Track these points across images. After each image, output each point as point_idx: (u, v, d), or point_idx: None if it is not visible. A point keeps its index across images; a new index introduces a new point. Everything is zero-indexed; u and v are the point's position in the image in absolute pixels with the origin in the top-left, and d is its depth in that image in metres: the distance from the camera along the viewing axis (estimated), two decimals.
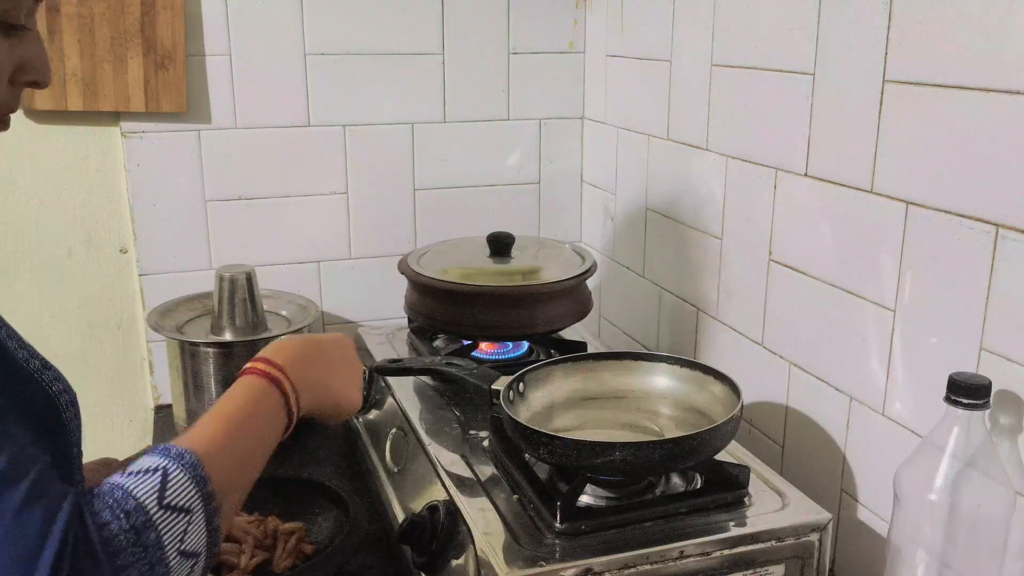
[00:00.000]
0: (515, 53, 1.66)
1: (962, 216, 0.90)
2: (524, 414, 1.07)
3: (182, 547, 0.65)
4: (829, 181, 1.08)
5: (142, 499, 0.64)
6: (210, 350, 1.38)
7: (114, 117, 1.49)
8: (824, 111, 1.08)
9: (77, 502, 0.61)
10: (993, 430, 0.87)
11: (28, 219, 1.50)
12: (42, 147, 1.48)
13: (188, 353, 1.39)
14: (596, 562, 0.88)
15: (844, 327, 1.08)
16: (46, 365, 0.76)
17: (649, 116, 1.49)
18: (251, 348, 1.38)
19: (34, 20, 0.71)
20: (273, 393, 0.81)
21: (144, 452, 0.69)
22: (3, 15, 0.67)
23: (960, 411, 0.83)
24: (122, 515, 0.62)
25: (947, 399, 0.83)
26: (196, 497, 0.67)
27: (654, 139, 1.49)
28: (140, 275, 1.55)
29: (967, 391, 0.82)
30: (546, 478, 1.02)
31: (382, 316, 1.66)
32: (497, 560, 0.88)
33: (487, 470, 1.06)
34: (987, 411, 0.83)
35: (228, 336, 1.40)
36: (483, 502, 0.99)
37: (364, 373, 0.98)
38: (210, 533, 0.68)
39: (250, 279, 1.41)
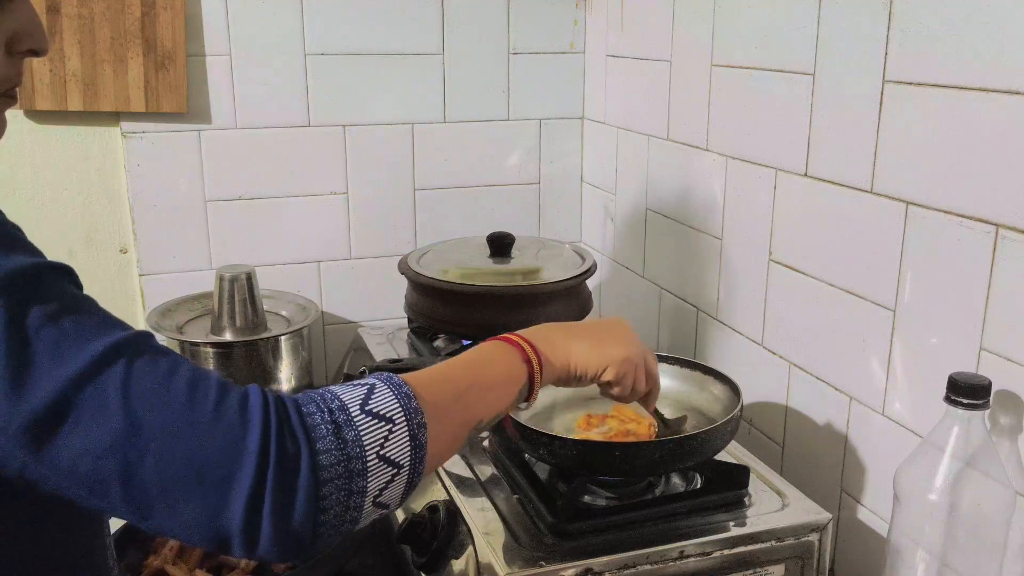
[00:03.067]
0: (515, 53, 1.66)
1: (962, 216, 0.90)
2: (524, 414, 1.07)
3: (382, 451, 0.65)
4: (829, 181, 1.08)
5: (346, 401, 0.66)
6: (210, 350, 1.38)
7: (114, 117, 1.49)
8: (824, 111, 1.08)
9: (280, 396, 0.64)
10: (993, 430, 0.87)
11: (28, 219, 1.49)
12: (42, 147, 1.48)
13: (188, 353, 1.39)
14: (596, 562, 0.88)
15: (844, 327, 1.08)
16: None
17: (649, 116, 1.49)
18: (251, 348, 1.38)
19: None
20: (504, 346, 0.81)
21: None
22: None
23: (960, 411, 0.83)
24: (325, 410, 0.64)
25: (947, 399, 0.83)
26: (398, 409, 0.67)
27: (654, 139, 1.49)
28: (140, 275, 1.55)
29: (967, 391, 0.82)
30: (546, 478, 1.02)
31: (382, 316, 1.66)
32: (497, 560, 0.88)
33: (487, 470, 1.06)
34: (987, 411, 0.83)
35: (228, 336, 1.40)
36: (483, 502, 0.99)
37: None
38: (415, 448, 0.67)
39: (250, 279, 1.41)
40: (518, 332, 0.84)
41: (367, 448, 0.64)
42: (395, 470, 0.66)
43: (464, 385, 0.76)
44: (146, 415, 0.59)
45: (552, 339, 0.85)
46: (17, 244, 0.64)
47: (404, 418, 0.67)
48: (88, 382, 0.58)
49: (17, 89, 0.72)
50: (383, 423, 0.66)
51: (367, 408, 0.66)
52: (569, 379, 0.87)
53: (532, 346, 0.82)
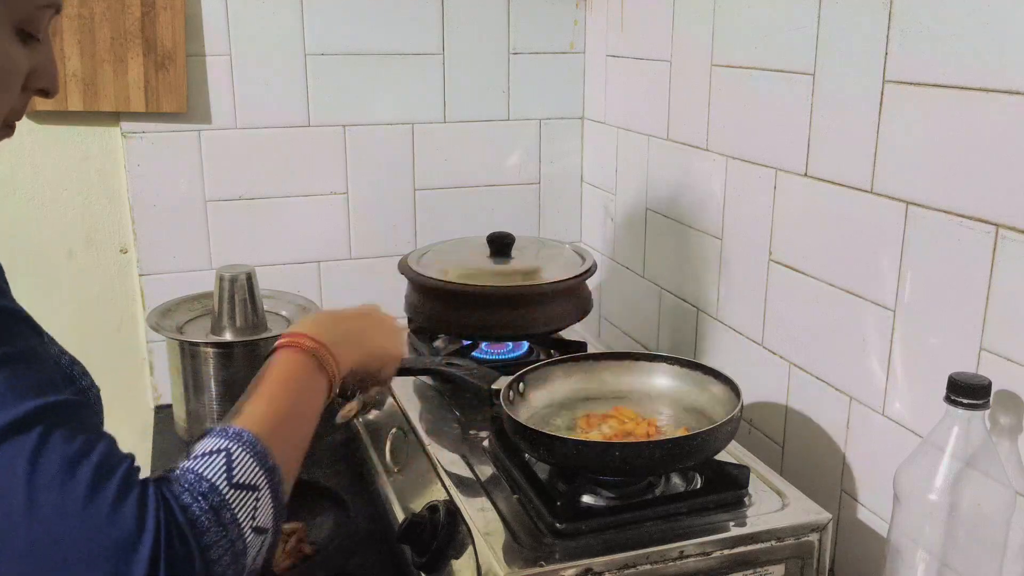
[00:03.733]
0: (515, 53, 1.66)
1: (962, 216, 0.90)
2: (524, 414, 1.07)
3: (254, 523, 0.66)
4: (829, 181, 1.08)
5: (213, 480, 0.65)
6: (210, 350, 1.38)
7: (114, 117, 1.49)
8: (824, 111, 1.08)
9: (160, 489, 0.62)
10: (993, 430, 0.87)
11: (28, 219, 1.50)
12: (42, 147, 1.48)
13: (188, 353, 1.39)
14: (596, 562, 0.88)
15: (844, 327, 1.08)
16: (74, 361, 0.79)
17: (649, 116, 1.49)
18: (251, 348, 1.38)
19: (48, 31, 0.72)
20: (305, 359, 0.83)
21: (201, 436, 0.70)
22: (25, 24, 0.68)
23: (960, 411, 0.83)
24: (199, 497, 0.64)
25: (947, 399, 0.83)
26: (260, 473, 0.68)
27: (654, 139, 1.49)
28: (140, 275, 1.55)
29: (967, 391, 0.82)
30: (546, 478, 1.02)
31: None
32: (497, 560, 0.88)
33: (487, 470, 1.06)
34: (987, 411, 0.83)
35: (228, 336, 1.40)
36: (483, 502, 0.99)
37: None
38: (276, 508, 0.69)
39: (250, 279, 1.41)
40: (308, 332, 0.85)
41: (243, 526, 0.65)
42: (264, 536, 0.68)
43: (296, 419, 0.78)
44: (45, 496, 0.58)
45: (337, 340, 0.86)
46: None
47: (267, 480, 0.68)
48: (2, 444, 0.57)
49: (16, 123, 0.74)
50: (250, 492, 0.67)
51: (233, 481, 0.66)
52: (353, 375, 0.90)
53: (330, 351, 0.84)
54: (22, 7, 0.67)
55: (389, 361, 0.97)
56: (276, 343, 0.85)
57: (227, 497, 0.65)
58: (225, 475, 0.66)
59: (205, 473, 0.66)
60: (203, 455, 0.68)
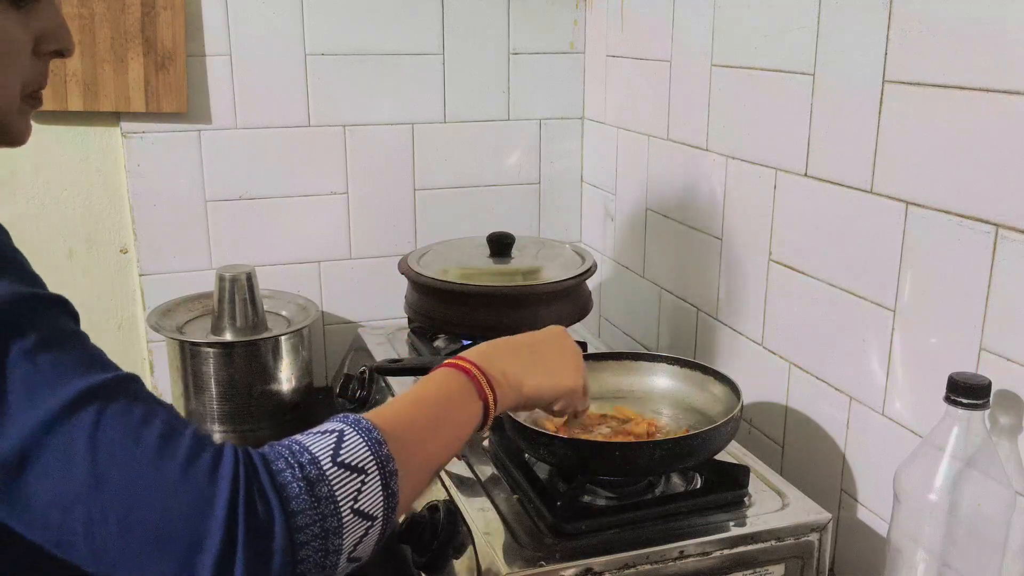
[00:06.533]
0: (515, 53, 1.66)
1: (962, 216, 0.90)
2: (523, 414, 1.07)
3: (356, 505, 0.64)
4: (829, 181, 1.08)
5: (316, 453, 0.64)
6: (210, 350, 1.38)
7: (114, 117, 1.49)
8: (824, 111, 1.08)
9: (248, 452, 0.61)
10: (993, 430, 0.87)
11: (28, 219, 1.50)
12: (42, 147, 1.48)
13: (188, 353, 1.39)
14: (596, 562, 0.88)
15: (844, 327, 1.08)
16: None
17: (649, 116, 1.49)
18: (251, 348, 1.38)
19: None
20: (462, 381, 0.80)
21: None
22: None
23: (960, 411, 0.83)
24: (296, 466, 0.62)
25: (947, 399, 0.83)
26: (370, 458, 0.66)
27: (654, 139, 1.49)
28: (140, 275, 1.55)
29: (967, 391, 0.82)
30: (546, 478, 1.02)
31: (382, 316, 1.66)
32: (497, 560, 0.88)
33: (487, 470, 1.06)
34: (987, 411, 0.83)
35: (228, 336, 1.40)
36: (483, 502, 0.99)
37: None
38: (387, 497, 0.66)
39: (250, 279, 1.41)
40: (472, 358, 0.82)
41: (341, 504, 0.63)
42: (369, 523, 0.65)
43: (430, 428, 0.75)
44: (111, 470, 0.56)
45: (506, 370, 0.84)
46: (7, 271, 0.61)
47: (376, 467, 0.66)
48: (57, 426, 0.56)
49: (42, 92, 0.71)
50: (355, 474, 0.64)
51: (339, 460, 0.64)
52: (519, 409, 0.88)
53: (488, 380, 0.81)
54: None
55: (566, 392, 0.89)
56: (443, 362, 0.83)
57: (327, 471, 0.63)
58: (331, 452, 0.64)
59: (309, 445, 0.64)
60: (315, 432, 0.66)
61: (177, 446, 0.59)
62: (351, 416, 0.69)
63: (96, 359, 0.61)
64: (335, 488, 0.63)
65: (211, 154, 1.54)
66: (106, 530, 0.56)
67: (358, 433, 0.66)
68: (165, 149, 1.52)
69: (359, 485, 0.64)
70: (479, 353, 0.84)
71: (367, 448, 0.66)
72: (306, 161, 1.59)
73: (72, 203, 1.52)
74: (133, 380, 0.62)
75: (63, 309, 0.63)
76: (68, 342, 0.61)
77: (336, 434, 0.66)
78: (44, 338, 0.59)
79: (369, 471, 0.65)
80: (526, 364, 0.87)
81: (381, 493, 0.66)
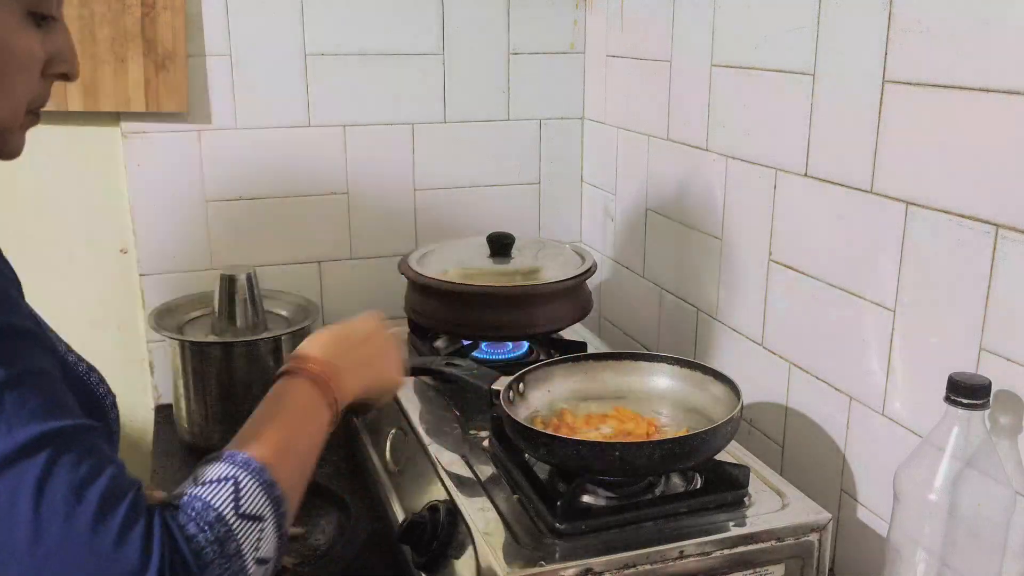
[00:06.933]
0: (515, 53, 1.66)
1: (962, 216, 0.90)
2: (524, 414, 1.07)
3: (257, 554, 0.67)
4: (829, 181, 1.08)
5: (221, 509, 0.65)
6: (210, 350, 1.38)
7: (114, 117, 1.49)
8: (824, 111, 1.08)
9: (166, 519, 0.62)
10: (993, 430, 0.87)
11: (28, 219, 1.50)
12: (42, 147, 1.48)
13: (188, 353, 1.39)
14: (596, 562, 0.88)
15: (844, 327, 1.08)
16: (91, 368, 0.78)
17: (649, 116, 1.49)
18: (251, 348, 1.38)
19: (61, 11, 0.71)
20: (313, 389, 0.82)
21: (208, 461, 0.70)
22: (35, 5, 0.67)
23: (960, 411, 0.83)
24: (206, 527, 0.64)
25: (947, 399, 0.83)
26: (267, 504, 0.68)
27: (654, 139, 1.49)
28: (140, 275, 1.55)
29: (967, 391, 0.82)
30: (546, 478, 1.02)
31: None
32: (497, 560, 0.88)
33: (487, 470, 1.06)
34: (987, 411, 0.83)
35: (228, 336, 1.40)
36: (483, 502, 0.99)
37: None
38: (279, 538, 0.69)
39: (250, 279, 1.41)
40: (317, 367, 0.83)
41: (246, 557, 0.65)
42: (266, 567, 0.68)
43: (305, 450, 0.78)
44: (52, 524, 0.57)
45: (343, 372, 0.85)
46: None
47: (272, 511, 0.68)
48: (7, 469, 0.57)
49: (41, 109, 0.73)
50: (255, 523, 0.67)
51: (240, 511, 0.66)
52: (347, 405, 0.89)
53: (334, 388, 0.83)
54: None
55: (391, 389, 0.96)
56: (284, 367, 0.84)
57: (233, 527, 0.65)
58: (233, 504, 0.66)
59: (212, 502, 0.65)
60: (211, 482, 0.67)
61: (116, 511, 0.59)
62: (238, 455, 0.70)
63: (57, 403, 0.62)
64: (241, 542, 0.65)
65: (211, 154, 1.54)
66: None
67: (252, 477, 0.68)
68: (165, 149, 1.52)
69: (259, 533, 0.67)
70: (321, 358, 0.85)
71: (263, 493, 0.68)
72: (306, 161, 1.59)
73: (72, 203, 1.52)
74: (90, 430, 0.63)
75: (35, 341, 0.63)
76: (35, 382, 0.61)
77: (232, 483, 0.67)
78: (10, 375, 0.59)
79: (266, 517, 0.68)
80: (359, 363, 0.89)
81: (275, 536, 0.69)
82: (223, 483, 0.67)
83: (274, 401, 0.80)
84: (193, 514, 0.64)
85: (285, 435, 0.76)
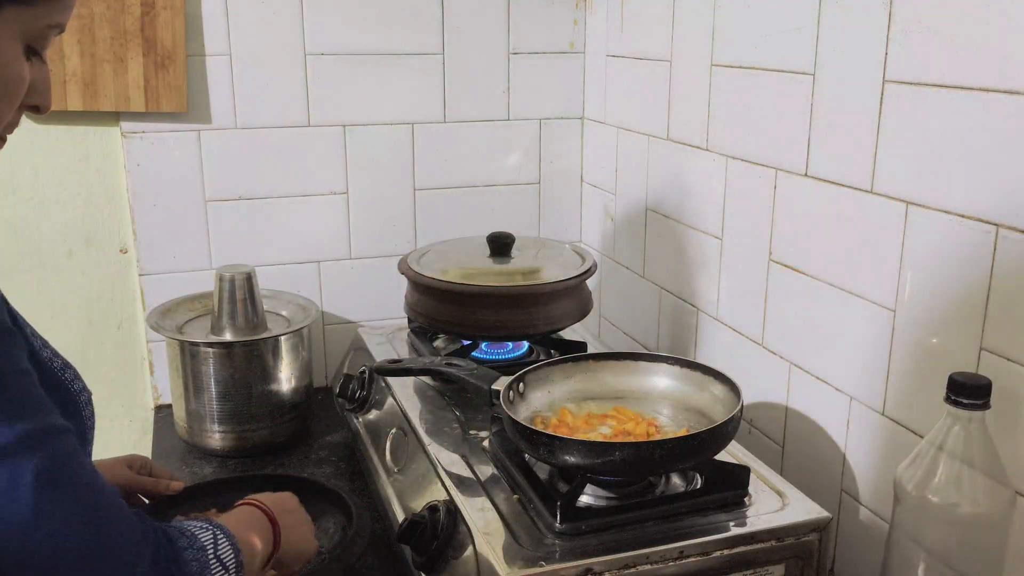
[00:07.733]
0: (515, 53, 1.66)
1: (962, 216, 0.90)
2: (524, 414, 1.07)
3: None
4: (829, 181, 1.08)
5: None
6: (210, 350, 1.38)
7: (114, 117, 1.49)
8: (824, 111, 1.08)
9: (155, 523, 0.73)
10: (993, 430, 0.87)
11: (28, 219, 1.50)
12: (42, 147, 1.48)
13: (188, 353, 1.39)
14: (596, 562, 0.88)
15: (844, 327, 1.08)
16: (66, 365, 0.79)
17: (649, 116, 1.49)
18: (251, 348, 1.38)
19: (46, 51, 0.74)
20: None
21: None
22: (34, 41, 0.71)
23: (960, 411, 0.83)
24: (197, 551, 0.75)
25: (947, 399, 0.83)
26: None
27: (654, 139, 1.49)
28: (140, 275, 1.55)
29: (967, 391, 0.82)
30: (546, 478, 1.02)
31: (382, 316, 1.66)
32: (497, 560, 0.88)
33: (487, 470, 1.06)
34: (987, 411, 0.83)
35: (228, 336, 1.40)
36: (483, 502, 0.99)
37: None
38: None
39: (250, 279, 1.41)
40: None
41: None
42: None
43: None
44: (17, 531, 0.62)
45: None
46: None
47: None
48: None
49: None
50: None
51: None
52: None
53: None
54: (36, 25, 0.69)
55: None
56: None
57: (211, 564, 0.76)
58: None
59: (198, 535, 0.77)
60: (192, 524, 0.79)
61: (120, 508, 0.69)
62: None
63: (27, 404, 0.65)
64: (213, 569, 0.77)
65: (211, 154, 1.54)
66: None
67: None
68: (165, 149, 1.52)
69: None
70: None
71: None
72: (306, 161, 1.59)
73: (72, 203, 1.52)
74: (61, 431, 0.66)
75: (14, 342, 0.66)
76: (11, 381, 0.64)
77: (211, 531, 0.79)
78: None
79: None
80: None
81: None
82: (204, 529, 0.79)
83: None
84: (185, 535, 0.76)
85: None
